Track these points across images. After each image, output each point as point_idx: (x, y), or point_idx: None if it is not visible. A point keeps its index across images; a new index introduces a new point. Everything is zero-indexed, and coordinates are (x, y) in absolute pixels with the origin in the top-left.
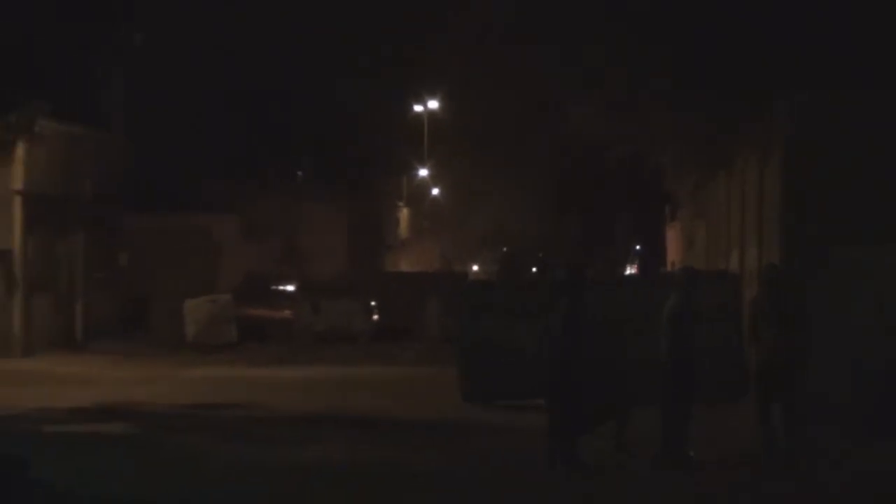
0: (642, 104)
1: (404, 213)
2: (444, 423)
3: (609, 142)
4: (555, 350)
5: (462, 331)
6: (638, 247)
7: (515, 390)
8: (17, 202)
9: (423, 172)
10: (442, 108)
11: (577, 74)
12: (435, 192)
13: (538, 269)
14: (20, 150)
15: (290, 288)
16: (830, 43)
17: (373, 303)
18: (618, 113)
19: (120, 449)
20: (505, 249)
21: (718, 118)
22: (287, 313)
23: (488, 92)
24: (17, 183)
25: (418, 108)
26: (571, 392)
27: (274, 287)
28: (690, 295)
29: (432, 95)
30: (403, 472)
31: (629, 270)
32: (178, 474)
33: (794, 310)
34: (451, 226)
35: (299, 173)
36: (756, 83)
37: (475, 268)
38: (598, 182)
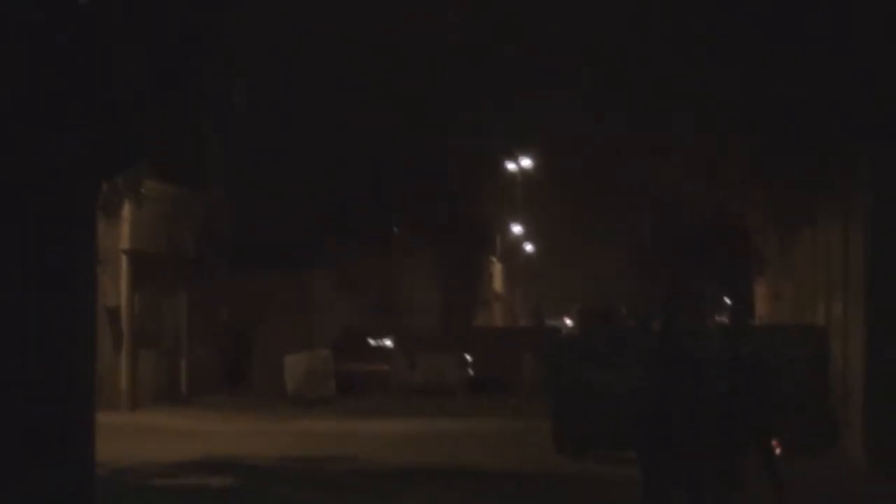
0: (725, 166)
1: (498, 269)
2: (539, 474)
3: (694, 202)
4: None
5: (554, 383)
6: (727, 300)
7: (607, 441)
8: (124, 260)
9: (517, 229)
10: (535, 165)
11: (662, 138)
12: (528, 247)
13: (636, 322)
14: (126, 211)
15: (387, 342)
16: None
17: (467, 356)
18: (702, 175)
19: (226, 501)
20: (581, 306)
21: (801, 178)
22: (384, 367)
23: (578, 151)
24: (124, 242)
25: (511, 165)
26: (663, 439)
27: (371, 341)
28: (666, 339)
29: (525, 153)
30: None
31: (719, 323)
32: None
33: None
34: (544, 281)
35: (395, 229)
36: (838, 141)
37: (567, 322)
38: (685, 239)
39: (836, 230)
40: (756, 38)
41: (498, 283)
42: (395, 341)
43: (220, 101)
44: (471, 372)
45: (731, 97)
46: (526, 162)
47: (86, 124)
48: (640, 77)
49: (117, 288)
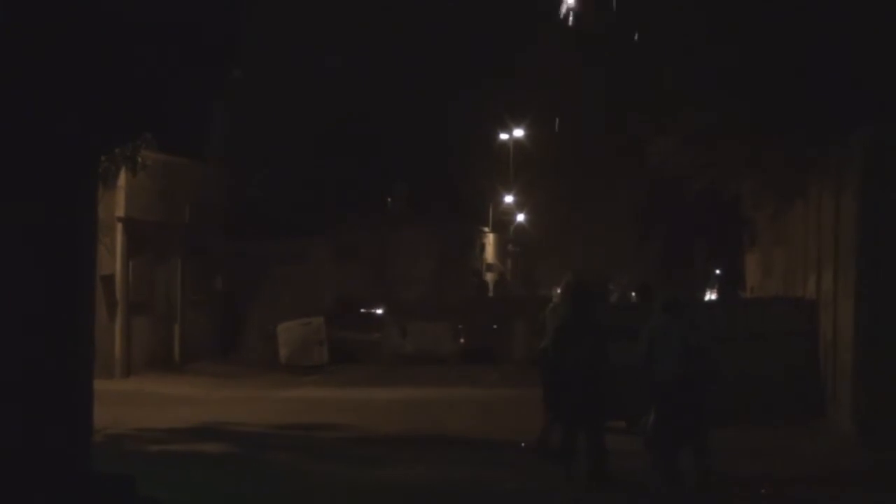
0: (719, 138)
1: (490, 239)
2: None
3: (687, 173)
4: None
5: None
6: (717, 271)
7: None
8: (119, 229)
9: (509, 199)
10: (527, 135)
11: (655, 109)
12: (520, 217)
13: (638, 293)
14: (122, 179)
15: (379, 311)
16: None
17: (459, 326)
18: (695, 146)
19: (219, 467)
20: (569, 274)
21: (795, 150)
22: (376, 336)
23: (570, 122)
24: (119, 210)
25: (504, 135)
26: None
27: (363, 310)
28: (576, 309)
29: (518, 123)
30: (492, 491)
31: (709, 295)
32: (274, 493)
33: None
34: (537, 251)
35: (388, 199)
36: (832, 115)
37: (558, 291)
38: (678, 209)
39: (828, 203)
40: (752, 10)
41: (490, 254)
42: (387, 310)
43: (223, 76)
44: (462, 341)
45: (727, 71)
46: (518, 132)
47: (88, 99)
48: (632, 48)
49: (112, 256)
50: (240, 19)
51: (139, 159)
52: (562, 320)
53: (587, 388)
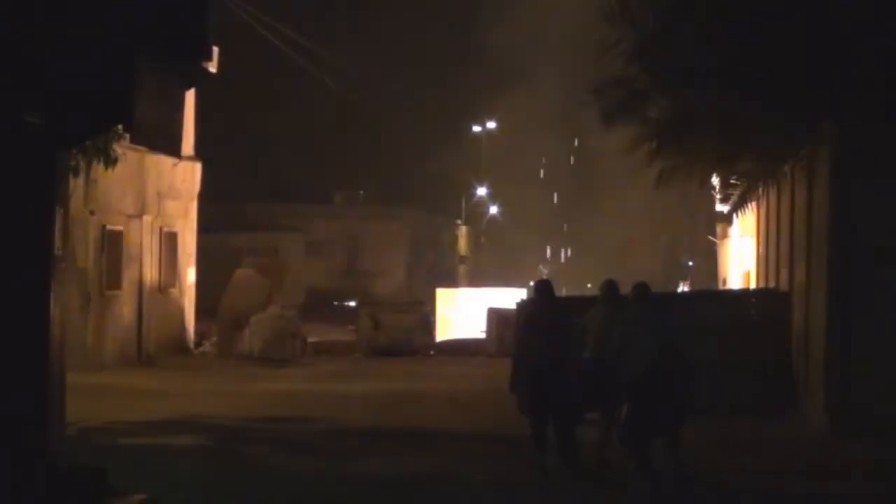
0: (690, 128)
1: (462, 231)
2: (503, 435)
3: (657, 164)
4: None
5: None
6: (690, 263)
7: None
8: (91, 222)
9: (482, 192)
10: (499, 128)
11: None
12: (493, 210)
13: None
14: (95, 172)
15: (352, 303)
16: (888, 64)
17: (432, 318)
18: (666, 138)
19: (192, 460)
20: (544, 271)
21: (767, 140)
22: (349, 328)
23: (539, 114)
24: (92, 203)
25: (477, 128)
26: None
27: (336, 303)
28: (540, 302)
29: (490, 117)
30: (463, 483)
31: (682, 287)
32: (247, 485)
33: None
34: (510, 243)
35: (361, 192)
36: (806, 105)
37: (532, 284)
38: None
39: (800, 195)
40: (723, 4)
41: (463, 246)
42: (359, 303)
43: (195, 70)
44: (435, 333)
45: (700, 60)
46: (491, 124)
47: (55, 91)
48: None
49: (85, 249)
50: (208, 11)
51: (111, 153)
52: (528, 314)
53: (552, 382)
